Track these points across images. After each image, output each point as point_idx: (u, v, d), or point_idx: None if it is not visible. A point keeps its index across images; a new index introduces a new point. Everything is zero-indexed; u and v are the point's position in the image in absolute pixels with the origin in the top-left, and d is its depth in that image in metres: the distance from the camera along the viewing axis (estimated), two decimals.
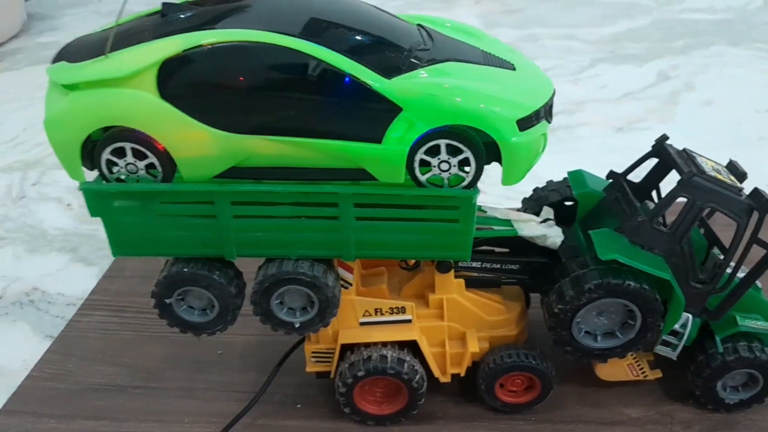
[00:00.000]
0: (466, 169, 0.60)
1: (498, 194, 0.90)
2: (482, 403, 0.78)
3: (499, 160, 0.61)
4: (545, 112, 0.61)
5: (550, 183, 0.81)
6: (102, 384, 0.86)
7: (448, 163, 0.59)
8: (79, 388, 0.86)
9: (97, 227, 1.25)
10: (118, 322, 0.97)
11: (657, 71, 1.67)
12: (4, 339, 0.99)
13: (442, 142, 0.58)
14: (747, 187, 0.69)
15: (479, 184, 0.62)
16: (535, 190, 0.82)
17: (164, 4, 0.62)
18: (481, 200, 0.65)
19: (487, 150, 0.60)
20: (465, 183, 0.61)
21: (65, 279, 1.11)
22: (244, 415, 0.78)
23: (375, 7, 0.67)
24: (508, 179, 0.60)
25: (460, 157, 0.59)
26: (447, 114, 0.56)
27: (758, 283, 0.76)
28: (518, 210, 0.80)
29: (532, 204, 0.80)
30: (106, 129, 0.60)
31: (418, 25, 0.67)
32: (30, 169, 1.50)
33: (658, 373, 0.77)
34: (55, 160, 1.63)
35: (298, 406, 0.81)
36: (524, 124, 0.58)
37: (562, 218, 0.79)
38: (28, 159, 1.55)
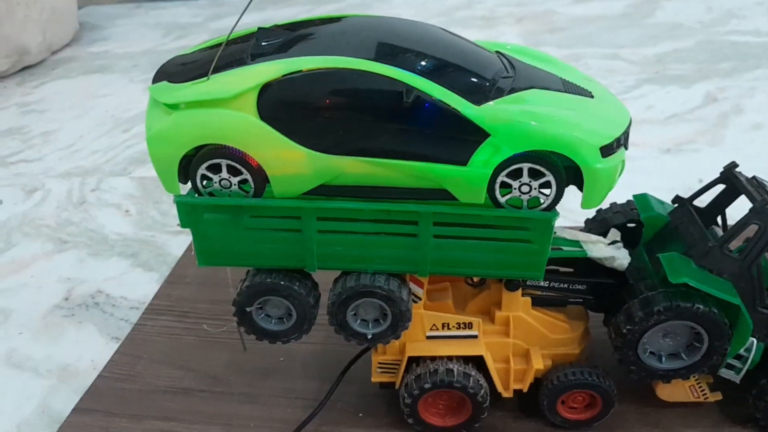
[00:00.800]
0: (546, 192, 0.63)
1: None
2: (541, 418, 0.79)
3: (577, 184, 0.63)
4: (624, 140, 0.63)
5: (614, 205, 0.83)
6: (170, 387, 0.90)
7: (529, 185, 0.62)
8: (149, 390, 0.89)
9: (154, 233, 1.30)
10: (182, 327, 1.01)
11: (704, 93, 1.67)
12: (72, 339, 1.03)
13: (525, 166, 0.60)
14: None
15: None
16: (599, 211, 0.83)
17: (260, 29, 0.65)
18: None
19: (569, 175, 0.62)
20: (544, 205, 0.63)
21: (127, 283, 1.16)
22: (309, 423, 0.81)
23: (455, 34, 0.70)
24: (589, 203, 0.62)
25: (542, 180, 0.61)
26: (534, 140, 0.59)
27: None
28: (581, 230, 0.82)
29: (596, 225, 0.82)
30: (201, 146, 0.63)
31: (497, 52, 0.70)
32: (88, 176, 1.56)
33: (718, 396, 0.78)
34: (112, 167, 1.70)
35: (360, 414, 0.83)
36: (606, 151, 0.60)
37: (625, 240, 0.80)
38: (86, 165, 1.61)
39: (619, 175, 0.64)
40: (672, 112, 1.59)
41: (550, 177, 0.61)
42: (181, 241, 1.25)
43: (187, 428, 0.83)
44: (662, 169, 1.37)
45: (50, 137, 1.80)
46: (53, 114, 1.96)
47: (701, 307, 0.67)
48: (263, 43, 0.65)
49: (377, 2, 2.73)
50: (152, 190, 1.46)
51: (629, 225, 0.82)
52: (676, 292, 0.68)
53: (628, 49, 1.99)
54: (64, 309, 1.10)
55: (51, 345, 1.02)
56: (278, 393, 0.88)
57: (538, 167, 0.60)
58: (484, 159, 0.60)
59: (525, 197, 0.63)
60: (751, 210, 0.68)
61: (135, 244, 1.27)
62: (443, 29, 0.70)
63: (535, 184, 0.62)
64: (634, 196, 0.81)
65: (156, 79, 0.65)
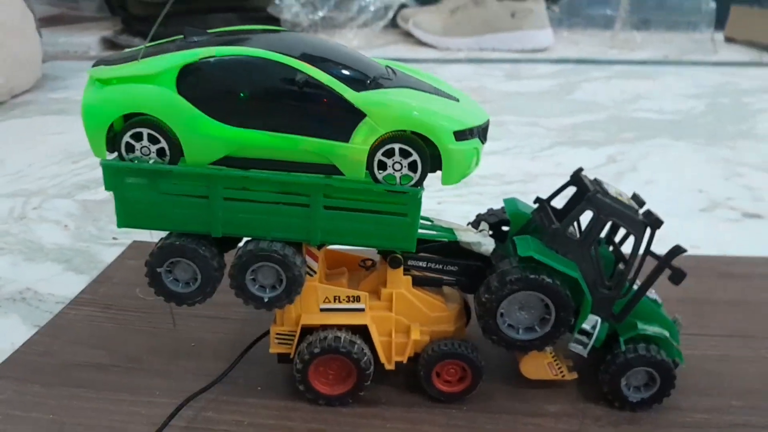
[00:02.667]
0: (415, 172, 0.76)
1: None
2: (422, 393, 0.89)
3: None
4: (479, 133, 0.77)
5: (490, 209, 0.97)
6: (84, 362, 0.96)
7: (401, 164, 0.75)
8: (64, 364, 0.95)
9: (90, 244, 1.38)
10: (104, 317, 1.08)
11: (607, 155, 1.88)
12: None
13: (396, 146, 0.74)
14: None
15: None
16: (478, 215, 0.97)
17: (186, 29, 0.79)
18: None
19: (434, 161, 0.75)
20: (413, 182, 0.76)
21: (57, 283, 1.22)
22: (207, 390, 0.88)
23: (355, 50, 0.84)
24: (447, 180, 0.76)
25: (410, 159, 0.74)
26: (400, 121, 0.73)
27: (659, 299, 0.90)
28: None
29: (475, 225, 0.95)
30: (127, 118, 0.74)
31: (387, 66, 0.84)
32: (33, 197, 1.63)
33: (574, 375, 0.89)
34: (57, 191, 1.76)
35: (259, 388, 0.91)
36: (460, 136, 0.74)
37: (499, 238, 0.93)
38: (31, 188, 1.69)
39: (476, 163, 0.78)
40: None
41: (416, 156, 0.74)
42: (114, 252, 1.33)
43: (96, 395, 0.89)
44: None
45: None
46: (4, 146, 2.04)
47: (546, 278, 0.79)
48: (190, 40, 0.78)
49: None
50: (93, 210, 1.54)
51: (504, 228, 0.95)
52: (527, 267, 0.80)
53: (547, 119, 2.21)
54: None
55: None
56: (187, 370, 0.95)
57: (406, 147, 0.74)
58: (363, 137, 0.73)
59: (398, 174, 0.75)
60: (585, 198, 0.82)
61: (70, 253, 1.34)
62: (346, 47, 0.85)
63: (405, 162, 0.75)
64: (504, 199, 0.95)
65: (94, 65, 0.77)
